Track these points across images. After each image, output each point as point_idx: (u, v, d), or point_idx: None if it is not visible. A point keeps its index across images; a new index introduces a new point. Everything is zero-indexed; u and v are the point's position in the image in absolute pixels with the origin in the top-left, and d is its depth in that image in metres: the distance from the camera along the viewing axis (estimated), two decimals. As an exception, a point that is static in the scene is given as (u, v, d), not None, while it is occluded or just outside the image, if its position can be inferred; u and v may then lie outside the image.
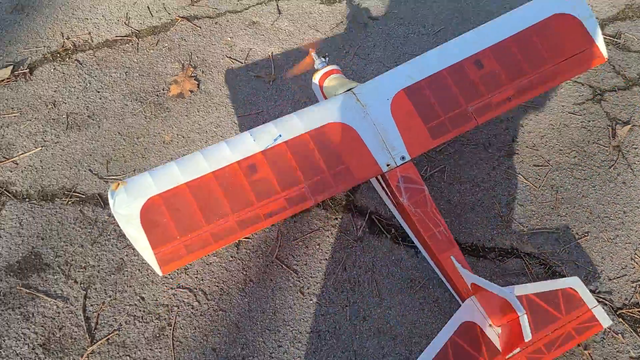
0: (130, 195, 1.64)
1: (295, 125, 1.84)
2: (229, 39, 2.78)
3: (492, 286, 1.68)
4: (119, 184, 1.66)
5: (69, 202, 2.24)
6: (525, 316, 1.57)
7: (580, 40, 2.04)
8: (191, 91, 2.59)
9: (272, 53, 2.72)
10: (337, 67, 2.20)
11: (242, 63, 2.69)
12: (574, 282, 1.84)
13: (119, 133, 2.46)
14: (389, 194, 2.01)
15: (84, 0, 2.94)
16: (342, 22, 2.84)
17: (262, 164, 1.76)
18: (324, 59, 2.24)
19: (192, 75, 2.64)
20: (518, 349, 1.75)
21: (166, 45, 2.76)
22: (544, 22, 2.04)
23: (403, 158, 1.89)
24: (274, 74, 2.64)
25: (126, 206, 1.63)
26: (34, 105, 2.53)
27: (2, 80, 2.59)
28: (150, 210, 1.64)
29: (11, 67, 2.64)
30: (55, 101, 2.55)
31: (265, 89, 2.60)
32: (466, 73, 1.97)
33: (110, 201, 1.63)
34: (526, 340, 1.59)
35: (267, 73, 2.65)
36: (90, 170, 2.34)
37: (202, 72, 2.66)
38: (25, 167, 2.34)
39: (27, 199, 2.26)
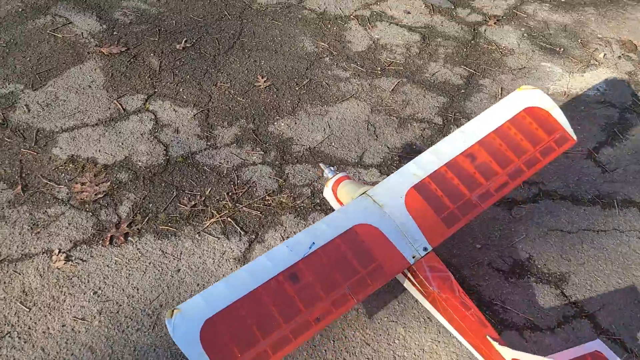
0: (188, 321, 1.67)
1: (324, 232, 1.95)
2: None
3: (535, 358, 1.71)
4: (173, 311, 1.66)
5: None
6: None
7: (551, 128, 2.28)
8: None
9: None
10: (346, 174, 2.37)
11: None
12: (597, 345, 1.95)
13: None
14: (418, 284, 2.07)
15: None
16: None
17: (302, 271, 1.84)
18: (332, 168, 2.40)
19: None
20: None
21: None
22: (518, 115, 2.29)
23: (425, 249, 2.02)
24: None
25: (185, 332, 1.65)
26: None
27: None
28: (209, 331, 1.66)
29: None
30: None
31: None
32: (462, 166, 2.18)
33: (169, 328, 1.63)
34: None
35: None
36: None
37: None
38: None
39: None
